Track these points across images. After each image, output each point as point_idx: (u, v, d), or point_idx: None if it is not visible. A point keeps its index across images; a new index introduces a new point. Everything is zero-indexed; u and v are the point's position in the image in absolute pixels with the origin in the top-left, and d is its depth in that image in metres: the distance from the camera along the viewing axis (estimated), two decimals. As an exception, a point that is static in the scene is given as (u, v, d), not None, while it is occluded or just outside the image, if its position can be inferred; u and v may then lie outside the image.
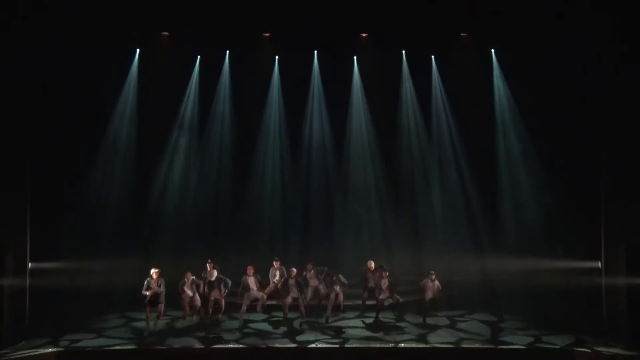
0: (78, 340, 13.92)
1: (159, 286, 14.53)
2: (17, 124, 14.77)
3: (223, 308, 15.38)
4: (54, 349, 13.27)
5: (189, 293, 14.94)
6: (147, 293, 14.41)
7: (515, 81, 17.61)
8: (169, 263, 15.91)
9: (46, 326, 14.72)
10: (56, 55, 15.50)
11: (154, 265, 14.89)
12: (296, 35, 17.26)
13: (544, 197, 17.12)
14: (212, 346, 13.70)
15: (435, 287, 15.68)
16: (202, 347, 13.67)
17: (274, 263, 15.75)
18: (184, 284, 14.94)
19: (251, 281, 15.25)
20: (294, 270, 15.46)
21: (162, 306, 14.55)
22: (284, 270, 15.61)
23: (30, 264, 15.01)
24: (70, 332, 14.50)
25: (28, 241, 14.97)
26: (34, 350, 13.27)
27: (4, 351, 13.21)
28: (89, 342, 13.87)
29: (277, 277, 15.53)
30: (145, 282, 14.56)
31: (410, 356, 13.43)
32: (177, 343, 13.82)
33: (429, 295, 15.66)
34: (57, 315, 15.22)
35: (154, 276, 14.59)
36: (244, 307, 15.17)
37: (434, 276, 15.70)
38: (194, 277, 15.06)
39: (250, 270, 15.33)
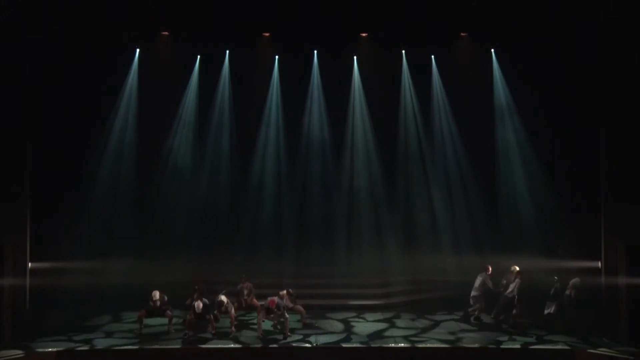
0: (78, 340, 13.88)
1: (163, 304, 14.23)
2: (18, 124, 14.78)
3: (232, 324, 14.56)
4: (54, 349, 13.27)
5: (200, 305, 14.19)
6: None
7: (514, 81, 17.62)
8: (168, 263, 15.91)
9: (46, 326, 14.71)
10: (56, 55, 15.52)
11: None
12: (296, 35, 17.28)
13: (544, 197, 17.13)
14: (212, 346, 13.67)
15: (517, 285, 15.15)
16: (202, 347, 13.65)
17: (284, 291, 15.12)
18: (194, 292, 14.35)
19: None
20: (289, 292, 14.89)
21: (169, 312, 14.26)
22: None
23: (30, 264, 15.01)
24: (70, 332, 14.47)
25: (28, 241, 14.98)
26: (34, 350, 13.26)
27: (4, 351, 13.20)
28: (89, 341, 13.83)
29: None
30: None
31: (410, 356, 13.42)
32: (177, 343, 13.81)
33: (513, 293, 15.18)
34: (56, 315, 15.22)
35: (156, 297, 14.17)
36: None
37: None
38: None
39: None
